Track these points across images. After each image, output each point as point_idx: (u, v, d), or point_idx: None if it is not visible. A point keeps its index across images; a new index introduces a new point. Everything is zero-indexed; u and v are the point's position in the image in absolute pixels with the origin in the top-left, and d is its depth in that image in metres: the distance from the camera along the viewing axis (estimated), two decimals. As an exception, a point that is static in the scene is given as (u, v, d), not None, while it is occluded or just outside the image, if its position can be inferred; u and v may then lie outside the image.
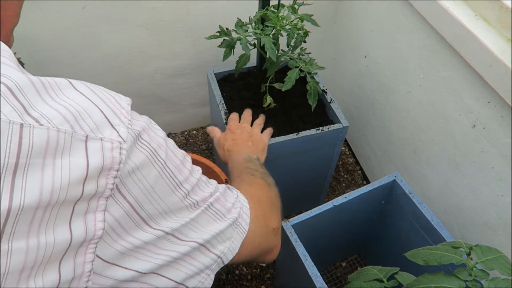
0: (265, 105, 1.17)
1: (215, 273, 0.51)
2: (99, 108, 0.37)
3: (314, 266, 0.91)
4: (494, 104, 0.93)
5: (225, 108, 1.20)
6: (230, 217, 0.53)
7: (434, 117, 1.15)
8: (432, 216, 1.00)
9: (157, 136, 0.44)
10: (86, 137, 0.35)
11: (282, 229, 0.98)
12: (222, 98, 1.22)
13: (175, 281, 0.46)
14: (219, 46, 1.07)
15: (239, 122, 1.12)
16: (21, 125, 0.32)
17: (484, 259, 0.63)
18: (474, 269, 0.61)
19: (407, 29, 1.17)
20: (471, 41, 0.92)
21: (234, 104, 1.23)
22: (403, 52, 1.22)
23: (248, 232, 0.56)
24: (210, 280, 0.50)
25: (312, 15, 1.07)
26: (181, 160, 0.47)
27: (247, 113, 1.16)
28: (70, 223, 0.35)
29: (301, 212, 1.01)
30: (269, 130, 1.12)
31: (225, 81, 1.30)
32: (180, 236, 0.45)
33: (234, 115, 1.14)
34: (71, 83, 0.38)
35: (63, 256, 0.35)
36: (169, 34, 1.37)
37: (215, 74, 1.29)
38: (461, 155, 1.08)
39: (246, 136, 1.04)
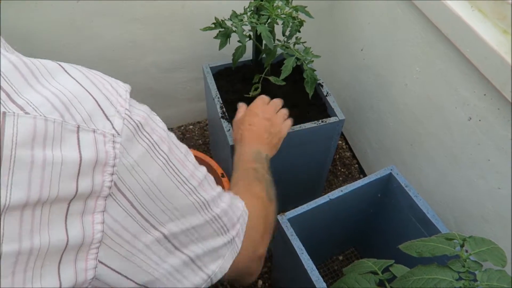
0: (251, 93, 1.16)
1: None
2: (92, 96, 0.34)
3: (310, 260, 0.91)
4: (490, 97, 0.93)
5: (221, 102, 1.19)
6: (231, 234, 0.50)
7: (430, 110, 1.15)
8: (428, 208, 0.99)
9: (158, 127, 0.40)
10: (78, 127, 0.32)
11: (278, 222, 0.98)
12: (217, 92, 1.21)
13: None
14: (216, 37, 1.06)
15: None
16: (4, 113, 0.29)
17: (478, 251, 0.62)
18: (467, 260, 0.61)
19: (403, 22, 1.17)
20: (467, 33, 0.91)
21: (230, 98, 1.22)
22: (399, 45, 1.21)
23: (239, 254, 0.52)
24: None
25: (306, 7, 1.06)
26: (184, 154, 0.44)
27: (279, 101, 1.06)
28: (65, 223, 0.32)
29: (297, 206, 1.01)
30: (289, 122, 1.05)
31: (221, 74, 1.30)
32: (176, 244, 0.42)
33: (265, 97, 1.05)
34: (62, 66, 0.35)
35: (61, 260, 0.32)
36: (164, 28, 1.37)
37: (211, 68, 1.28)
38: (457, 148, 1.08)
39: (264, 125, 0.96)
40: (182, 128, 1.77)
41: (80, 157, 0.32)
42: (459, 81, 1.01)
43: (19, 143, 0.29)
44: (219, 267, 0.48)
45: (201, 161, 1.23)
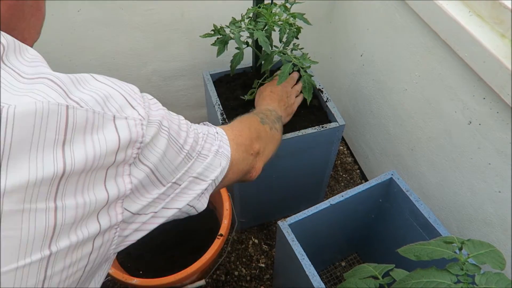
0: (247, 96, 1.17)
1: (210, 193, 0.62)
2: (119, 93, 0.45)
3: (311, 265, 0.91)
4: (489, 100, 0.93)
5: (221, 108, 1.20)
6: (212, 150, 0.63)
7: (430, 115, 1.15)
8: (430, 213, 0.99)
9: (157, 110, 0.51)
10: (114, 117, 0.43)
11: (279, 228, 0.98)
12: (218, 99, 1.22)
13: (179, 208, 0.56)
14: (213, 44, 1.07)
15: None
16: (67, 107, 0.39)
17: (476, 253, 0.62)
18: (466, 263, 0.61)
19: (402, 28, 1.17)
20: (465, 37, 0.91)
21: (230, 105, 1.23)
22: (398, 50, 1.22)
23: (234, 161, 0.68)
24: (206, 199, 0.62)
25: (304, 14, 1.07)
26: (178, 125, 0.55)
27: (295, 74, 1.22)
28: (105, 184, 0.43)
29: (299, 212, 1.01)
30: (300, 98, 1.19)
31: (221, 81, 1.30)
32: (179, 182, 0.55)
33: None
34: (93, 76, 0.46)
35: (101, 209, 0.43)
36: (165, 36, 1.38)
37: (211, 75, 1.29)
38: (457, 152, 1.08)
39: (284, 95, 1.14)
40: (184, 135, 1.77)
41: (119, 138, 0.43)
42: (458, 86, 1.01)
43: (77, 129, 0.40)
44: (219, 172, 0.63)
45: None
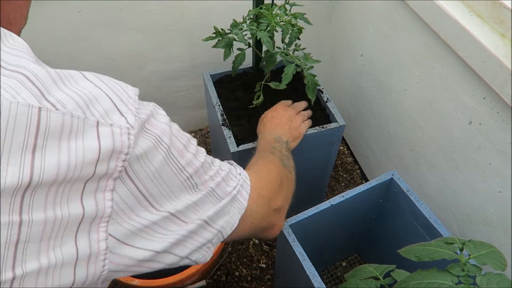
0: (255, 102, 1.17)
1: (215, 246, 0.55)
2: (108, 96, 0.41)
3: (312, 266, 0.91)
4: (489, 100, 0.93)
5: (221, 109, 1.20)
6: (230, 195, 0.57)
7: (430, 115, 1.15)
8: (430, 213, 0.99)
9: (161, 123, 0.47)
10: (97, 123, 0.38)
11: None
12: (218, 100, 1.22)
13: (181, 256, 0.50)
14: (214, 46, 1.07)
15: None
16: (39, 108, 0.35)
17: (477, 254, 0.62)
18: (467, 264, 0.61)
19: (402, 28, 1.17)
20: (465, 37, 0.91)
21: (230, 105, 1.23)
22: (398, 50, 1.22)
23: (249, 211, 0.60)
24: (210, 253, 0.55)
25: (304, 14, 1.07)
26: (184, 145, 0.50)
27: (301, 104, 1.17)
28: (81, 199, 0.38)
29: (299, 212, 1.01)
30: (308, 122, 1.15)
31: (221, 82, 1.30)
32: (183, 218, 0.49)
33: (286, 101, 1.17)
34: (82, 74, 0.42)
35: (78, 230, 0.38)
36: (165, 37, 1.38)
37: (211, 76, 1.29)
38: (458, 152, 1.08)
39: (286, 118, 1.08)
40: (184, 136, 1.77)
41: (99, 146, 0.38)
42: (458, 85, 1.01)
43: (50, 134, 0.35)
44: (225, 222, 0.55)
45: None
